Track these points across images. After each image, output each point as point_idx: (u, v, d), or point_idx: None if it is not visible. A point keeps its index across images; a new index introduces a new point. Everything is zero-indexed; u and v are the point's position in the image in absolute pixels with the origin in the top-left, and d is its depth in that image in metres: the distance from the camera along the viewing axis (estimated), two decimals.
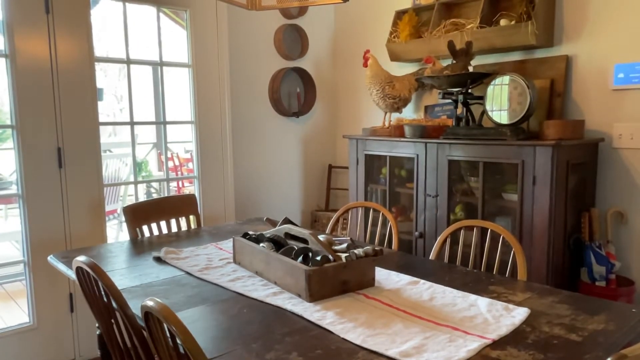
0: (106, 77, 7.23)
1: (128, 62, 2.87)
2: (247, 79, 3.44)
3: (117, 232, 5.12)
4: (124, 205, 2.44)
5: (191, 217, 2.61)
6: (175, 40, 3.29)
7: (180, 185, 6.05)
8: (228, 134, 3.30)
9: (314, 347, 1.18)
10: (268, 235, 1.78)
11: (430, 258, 1.99)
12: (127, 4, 2.84)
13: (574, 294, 1.50)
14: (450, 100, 2.65)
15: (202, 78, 3.17)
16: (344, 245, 1.64)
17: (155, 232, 2.41)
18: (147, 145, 6.95)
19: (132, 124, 2.98)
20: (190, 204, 2.61)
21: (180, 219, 2.55)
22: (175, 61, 3.18)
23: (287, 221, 1.84)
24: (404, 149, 2.79)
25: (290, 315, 1.37)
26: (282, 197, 3.73)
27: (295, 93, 3.72)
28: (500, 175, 2.52)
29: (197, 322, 1.34)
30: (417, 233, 2.75)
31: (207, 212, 3.25)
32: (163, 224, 2.45)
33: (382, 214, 2.37)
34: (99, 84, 2.78)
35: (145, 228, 2.38)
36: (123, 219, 2.63)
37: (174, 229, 2.50)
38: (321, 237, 1.60)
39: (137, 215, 2.35)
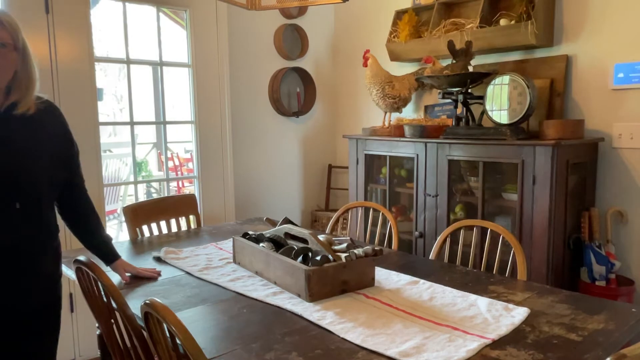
0: (106, 77, 7.22)
1: (128, 62, 2.87)
2: (247, 79, 3.44)
3: (117, 232, 5.12)
4: (124, 205, 2.44)
5: (191, 217, 2.61)
6: (175, 40, 3.28)
7: (180, 185, 6.05)
8: (228, 134, 3.30)
9: (314, 347, 1.18)
10: (268, 235, 1.78)
11: (430, 258, 1.99)
12: (127, 4, 2.84)
13: (573, 294, 1.50)
14: (450, 100, 2.65)
15: (202, 78, 3.17)
16: (344, 245, 1.64)
17: (155, 232, 2.41)
18: (147, 145, 6.95)
19: (132, 124, 2.98)
20: (190, 204, 2.61)
21: (180, 219, 2.55)
22: (175, 61, 3.18)
23: (287, 221, 1.84)
24: (404, 148, 2.79)
25: (290, 315, 1.37)
26: (282, 197, 3.73)
27: (295, 93, 3.72)
28: (500, 175, 2.52)
29: (197, 322, 1.34)
30: (417, 233, 2.75)
31: (207, 212, 3.25)
32: (163, 224, 2.45)
33: (382, 213, 2.37)
34: (99, 84, 2.78)
35: (145, 228, 2.38)
36: (123, 219, 2.63)
37: (174, 229, 2.50)
38: (321, 237, 1.60)
39: (137, 215, 2.35)
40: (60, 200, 1.54)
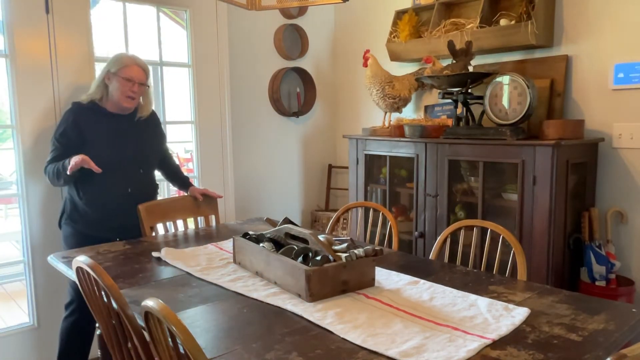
0: None
1: None
2: (247, 79, 3.44)
3: None
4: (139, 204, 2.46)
5: (211, 216, 2.64)
6: (175, 40, 3.28)
7: None
8: (228, 134, 3.30)
9: (314, 347, 1.18)
10: (268, 235, 1.78)
11: (430, 258, 1.99)
12: (127, 4, 2.84)
13: (573, 294, 1.50)
14: (450, 100, 2.65)
15: (202, 78, 3.17)
16: (344, 245, 1.64)
17: (171, 231, 2.48)
18: None
19: None
20: (209, 203, 2.62)
21: (187, 219, 2.58)
22: (175, 61, 3.18)
23: (287, 221, 1.84)
24: (404, 149, 2.79)
25: (291, 315, 1.37)
26: (282, 197, 3.73)
27: (295, 93, 3.72)
28: (500, 175, 2.52)
29: (197, 322, 1.34)
30: (417, 233, 2.75)
31: None
32: (171, 223, 2.50)
33: (382, 213, 2.37)
34: None
35: (159, 226, 2.47)
36: None
37: (191, 227, 2.55)
38: (321, 237, 1.60)
39: (151, 213, 2.38)
40: (160, 166, 2.59)
